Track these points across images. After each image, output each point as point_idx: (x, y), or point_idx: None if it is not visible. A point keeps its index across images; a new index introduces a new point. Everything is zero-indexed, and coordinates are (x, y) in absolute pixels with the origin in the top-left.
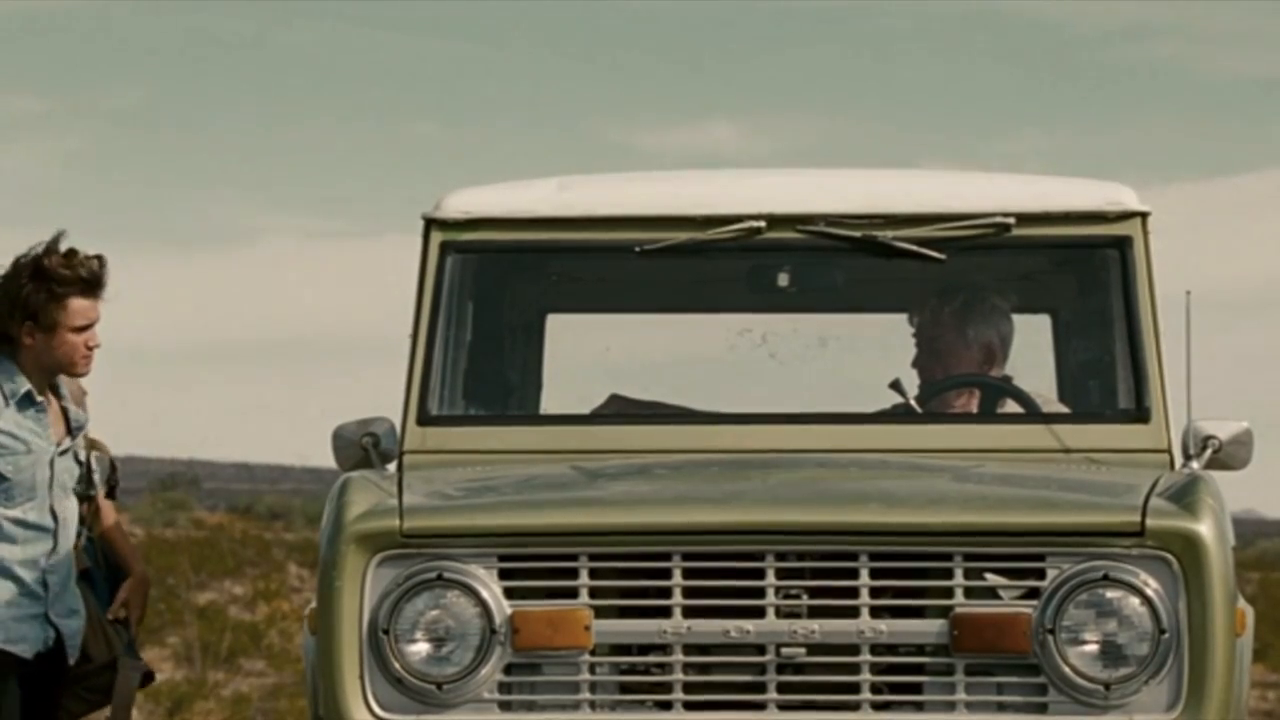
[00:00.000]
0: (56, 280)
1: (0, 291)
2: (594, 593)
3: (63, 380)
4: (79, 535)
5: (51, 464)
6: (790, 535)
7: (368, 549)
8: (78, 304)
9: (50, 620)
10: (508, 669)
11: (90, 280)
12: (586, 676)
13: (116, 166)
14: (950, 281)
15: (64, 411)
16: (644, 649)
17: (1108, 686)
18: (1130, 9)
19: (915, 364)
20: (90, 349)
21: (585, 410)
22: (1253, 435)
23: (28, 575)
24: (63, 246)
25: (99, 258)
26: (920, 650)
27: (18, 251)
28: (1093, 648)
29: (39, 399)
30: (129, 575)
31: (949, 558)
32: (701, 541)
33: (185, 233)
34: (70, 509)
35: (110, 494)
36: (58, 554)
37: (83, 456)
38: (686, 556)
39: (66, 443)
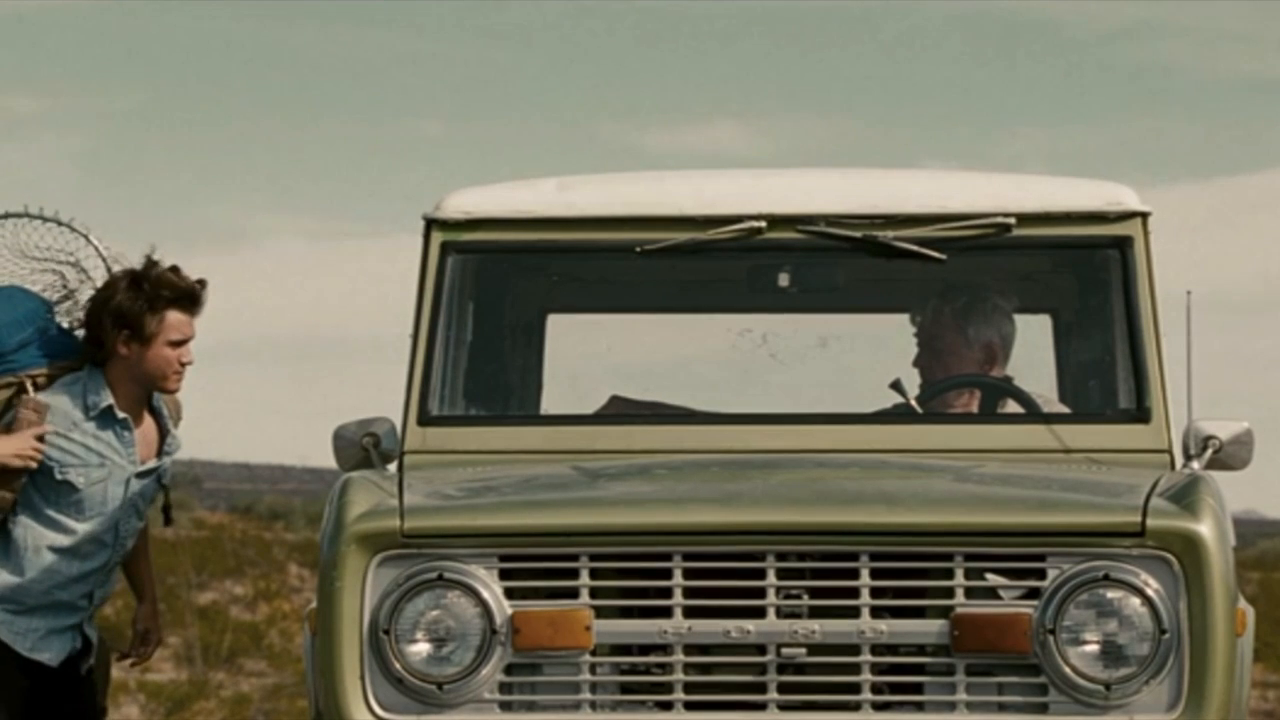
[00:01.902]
0: (157, 292)
1: (97, 303)
2: (595, 593)
3: (163, 400)
4: None
5: (127, 483)
6: (791, 535)
7: (368, 549)
8: (175, 317)
9: (82, 630)
10: (508, 669)
11: (191, 294)
12: (587, 677)
13: (117, 167)
14: (952, 281)
15: (161, 433)
16: (645, 649)
17: (1108, 687)
18: (1131, 9)
19: (916, 363)
20: (183, 365)
21: (586, 410)
22: (1253, 435)
23: (77, 589)
24: (164, 262)
25: (201, 281)
26: (921, 650)
27: None
28: (1093, 648)
29: (121, 415)
30: (142, 600)
31: (949, 558)
32: (702, 541)
33: (186, 233)
34: (133, 529)
35: (166, 519)
36: (108, 570)
37: (166, 480)
38: (687, 556)
39: (152, 463)
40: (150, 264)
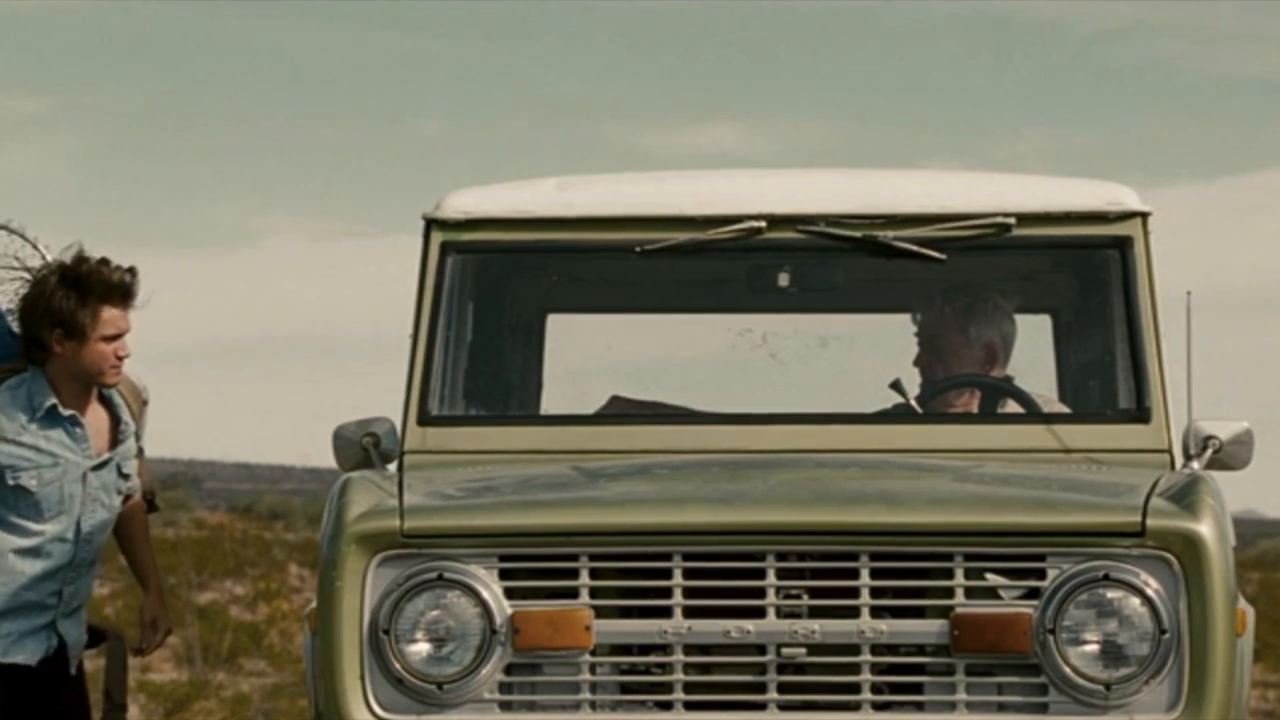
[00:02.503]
0: (88, 287)
1: (30, 300)
2: (594, 593)
3: (121, 389)
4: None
5: (84, 479)
6: (791, 535)
7: (368, 549)
8: (108, 313)
9: (56, 629)
10: (508, 669)
11: (122, 288)
12: (587, 677)
13: (118, 167)
14: (953, 281)
15: (114, 422)
16: (644, 649)
17: (1108, 686)
18: (1130, 9)
19: (917, 363)
20: (120, 359)
21: (586, 410)
22: (1253, 435)
23: (45, 588)
24: (93, 256)
25: (131, 269)
26: (921, 650)
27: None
28: (1093, 648)
29: (67, 412)
30: (147, 590)
31: (949, 558)
32: (702, 541)
33: (187, 233)
34: (99, 523)
35: (150, 507)
36: (77, 567)
37: (127, 469)
38: (687, 556)
39: (106, 455)
40: (80, 259)
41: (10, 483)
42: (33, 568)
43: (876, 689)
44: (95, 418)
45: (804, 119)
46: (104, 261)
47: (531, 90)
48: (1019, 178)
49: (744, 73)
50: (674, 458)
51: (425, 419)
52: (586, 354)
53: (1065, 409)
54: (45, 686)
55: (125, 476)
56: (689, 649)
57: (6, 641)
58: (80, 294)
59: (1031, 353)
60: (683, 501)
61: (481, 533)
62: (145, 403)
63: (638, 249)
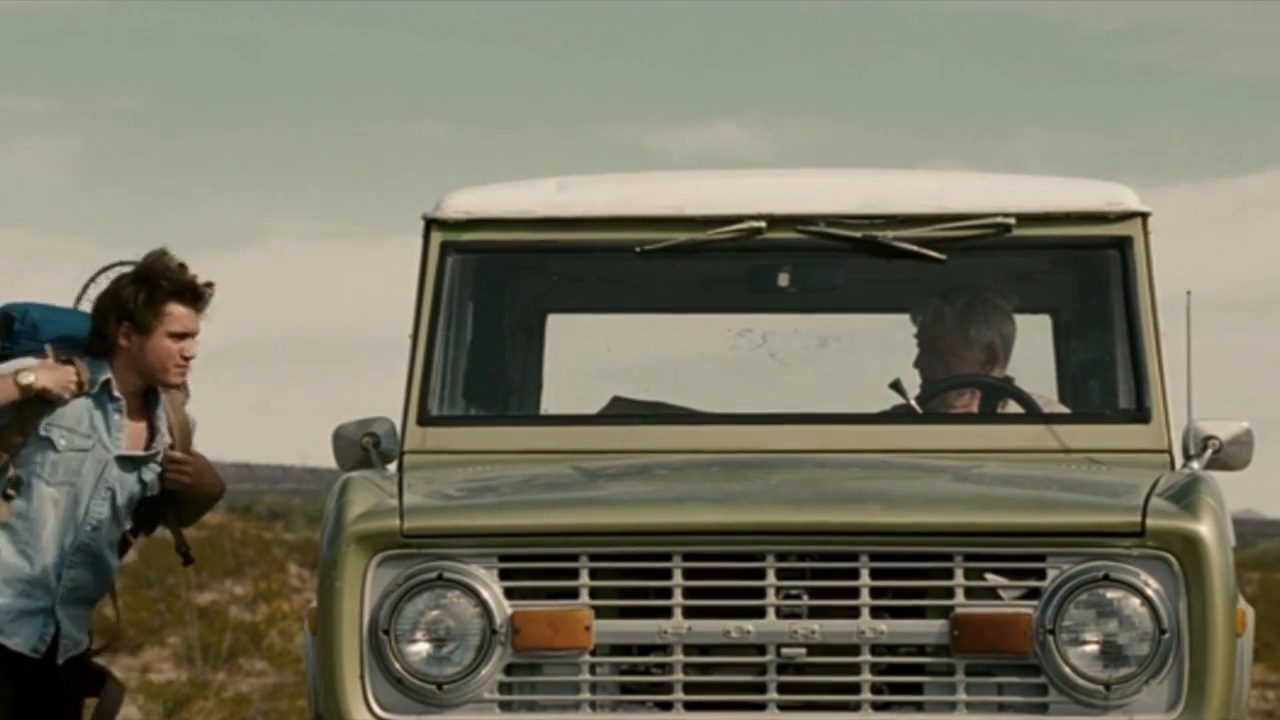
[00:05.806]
0: (158, 283)
1: (103, 297)
2: (594, 593)
3: (167, 404)
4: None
5: (105, 466)
6: (791, 535)
7: (368, 549)
8: (176, 309)
9: (54, 617)
10: (508, 669)
11: (192, 288)
12: (587, 677)
13: (117, 167)
14: (953, 282)
15: (151, 434)
16: (644, 649)
17: (1108, 687)
18: (1133, 9)
19: (917, 364)
20: (186, 359)
21: (586, 410)
22: (1253, 435)
23: (41, 562)
24: (174, 260)
25: (209, 282)
26: (921, 650)
27: (19, 251)
28: (1093, 648)
29: (116, 395)
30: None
31: (949, 558)
32: (702, 542)
33: (186, 234)
34: (106, 516)
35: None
36: (78, 551)
37: (148, 478)
38: (687, 557)
39: (137, 452)
40: (156, 257)
41: (41, 433)
42: (31, 535)
43: (876, 689)
44: (136, 420)
45: (805, 119)
46: (182, 266)
47: (532, 91)
48: (1019, 178)
49: (744, 73)
50: (674, 458)
51: (425, 419)
52: (587, 354)
53: (1065, 409)
54: (40, 679)
55: (144, 484)
56: (689, 649)
57: (5, 619)
58: (150, 289)
59: (1031, 353)
60: (683, 501)
61: (481, 533)
62: (188, 433)
63: (638, 249)
